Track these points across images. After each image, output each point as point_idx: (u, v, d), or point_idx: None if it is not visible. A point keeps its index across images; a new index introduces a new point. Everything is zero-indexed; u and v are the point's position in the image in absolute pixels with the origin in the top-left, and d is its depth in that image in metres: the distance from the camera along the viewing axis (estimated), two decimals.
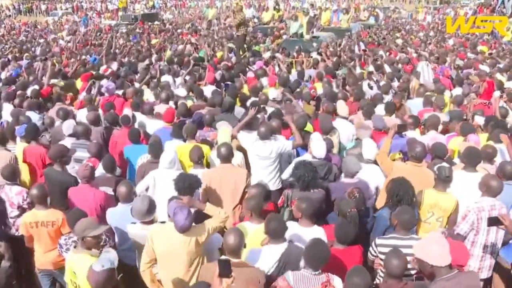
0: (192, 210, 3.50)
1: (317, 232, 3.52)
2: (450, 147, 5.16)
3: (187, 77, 8.54)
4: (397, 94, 7.31)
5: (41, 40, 17.00)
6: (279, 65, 10.07)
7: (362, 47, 12.06)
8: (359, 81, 8.22)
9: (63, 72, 9.02)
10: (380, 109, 6.38)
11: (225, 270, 2.60)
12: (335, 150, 5.34)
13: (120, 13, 29.44)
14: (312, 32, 14.99)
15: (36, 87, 7.47)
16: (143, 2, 36.15)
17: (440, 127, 5.80)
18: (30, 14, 34.28)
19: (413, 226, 3.63)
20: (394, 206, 3.76)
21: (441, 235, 3.17)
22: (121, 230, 3.86)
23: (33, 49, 13.78)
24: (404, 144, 5.03)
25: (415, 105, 7.10)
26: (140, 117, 6.12)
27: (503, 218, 3.33)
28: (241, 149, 5.19)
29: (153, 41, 14.88)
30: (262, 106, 6.36)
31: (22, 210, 4.24)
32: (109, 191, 4.37)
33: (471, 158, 4.35)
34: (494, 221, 3.41)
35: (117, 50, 12.22)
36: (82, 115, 6.27)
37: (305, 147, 5.05)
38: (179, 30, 18.96)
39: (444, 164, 4.21)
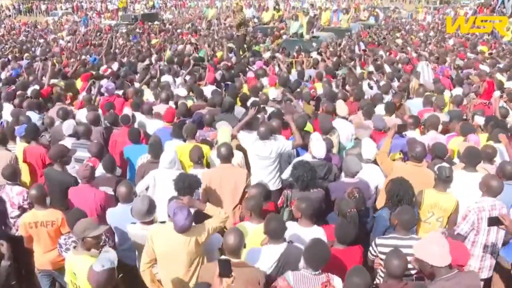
0: (192, 210, 3.51)
1: (317, 232, 3.52)
2: (450, 147, 5.16)
3: (187, 77, 8.55)
4: (396, 93, 7.32)
5: (41, 40, 17.01)
6: (279, 65, 10.08)
7: (362, 47, 12.07)
8: (359, 81, 8.23)
9: (63, 72, 9.03)
10: (380, 109, 6.38)
11: (225, 270, 2.60)
12: (335, 150, 5.35)
13: (120, 13, 29.44)
14: (312, 32, 14.99)
15: (37, 87, 7.48)
16: (143, 2, 36.15)
17: (440, 127, 5.80)
18: (30, 14, 34.27)
19: (413, 226, 3.63)
20: (394, 206, 3.76)
21: (441, 236, 3.17)
22: (121, 230, 3.86)
23: (33, 49, 13.78)
24: (404, 144, 5.03)
25: (414, 105, 7.10)
26: (139, 117, 6.13)
27: (503, 218, 3.33)
28: (241, 148, 5.19)
29: (153, 41, 14.88)
30: (262, 106, 6.37)
31: (22, 210, 4.24)
32: (109, 191, 4.37)
33: (471, 158, 4.35)
34: (494, 221, 3.41)
35: (117, 50, 12.23)
36: (82, 115, 6.27)
37: (305, 147, 5.05)
38: (179, 30, 18.96)
39: (445, 164, 4.21)
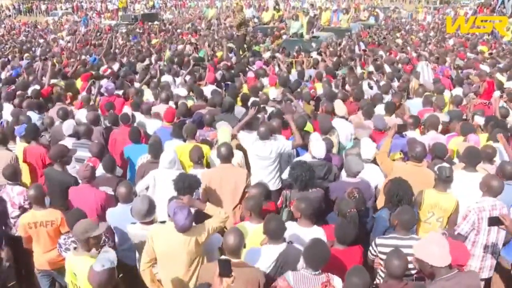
0: (192, 210, 3.50)
1: (317, 232, 3.52)
2: (450, 147, 5.17)
3: (187, 77, 8.55)
4: (396, 93, 7.32)
5: (41, 40, 17.01)
6: (279, 65, 10.08)
7: (362, 47, 12.07)
8: (359, 81, 8.23)
9: (63, 72, 9.03)
10: (380, 109, 6.38)
11: (226, 269, 2.60)
12: (334, 150, 5.35)
13: (120, 13, 29.46)
14: (312, 32, 14.99)
15: (37, 87, 7.48)
16: (143, 2, 36.16)
17: (440, 127, 5.80)
18: (30, 14, 34.28)
19: (413, 226, 3.63)
20: (394, 207, 3.76)
21: (441, 236, 3.17)
22: (121, 230, 3.86)
23: (33, 49, 13.78)
24: (405, 144, 5.03)
25: (414, 105, 7.10)
26: (138, 116, 6.13)
27: (503, 218, 3.33)
28: (241, 148, 5.20)
29: (153, 41, 14.88)
30: (262, 106, 6.37)
31: (23, 210, 4.23)
32: (109, 191, 4.37)
33: (471, 158, 4.35)
34: (494, 221, 3.40)
35: (117, 50, 12.23)
36: (82, 115, 6.28)
37: (305, 147, 5.05)
38: (179, 30, 18.96)
39: (445, 164, 4.21)
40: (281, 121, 5.51)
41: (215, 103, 6.50)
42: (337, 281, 2.94)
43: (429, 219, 4.02)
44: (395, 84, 8.15)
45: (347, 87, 8.02)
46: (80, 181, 4.36)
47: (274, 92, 7.11)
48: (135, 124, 5.82)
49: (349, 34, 16.07)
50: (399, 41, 15.11)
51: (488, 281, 4.02)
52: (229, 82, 8.86)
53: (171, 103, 6.69)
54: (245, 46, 12.98)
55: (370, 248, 3.56)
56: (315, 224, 3.62)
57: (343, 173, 4.61)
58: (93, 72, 8.69)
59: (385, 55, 11.77)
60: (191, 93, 7.46)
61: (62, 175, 4.59)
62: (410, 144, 4.64)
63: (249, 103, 6.44)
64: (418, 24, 25.11)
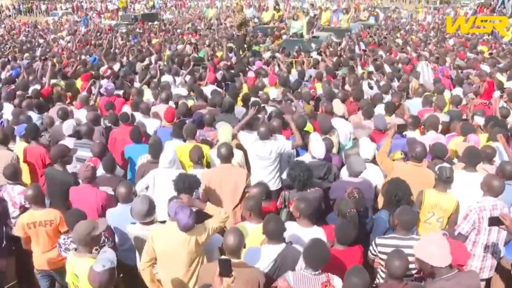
0: (193, 209, 3.50)
1: (317, 232, 3.52)
2: (450, 147, 5.17)
3: (187, 77, 8.55)
4: (395, 93, 7.32)
5: (41, 40, 17.01)
6: (279, 65, 10.08)
7: (362, 47, 12.06)
8: (359, 81, 8.22)
9: (63, 72, 9.02)
10: (380, 109, 6.38)
11: (226, 269, 2.60)
12: (334, 150, 5.35)
13: (120, 13, 29.41)
14: (312, 32, 14.99)
15: (37, 87, 7.48)
16: (143, 2, 36.15)
17: (440, 127, 5.80)
18: (30, 14, 34.28)
19: (413, 226, 3.62)
20: (393, 207, 3.76)
21: (441, 236, 3.18)
22: (121, 230, 3.86)
23: (33, 49, 13.78)
24: (405, 144, 5.03)
25: (414, 105, 7.09)
26: (138, 116, 6.12)
27: (504, 218, 3.33)
28: (241, 147, 5.19)
29: (153, 41, 14.88)
30: (262, 105, 6.37)
31: (24, 210, 4.22)
32: (109, 191, 4.36)
33: (471, 158, 4.35)
34: (495, 221, 3.40)
35: (117, 50, 12.22)
36: (82, 115, 6.28)
37: (305, 147, 5.05)
38: (179, 30, 18.96)
39: (445, 164, 4.21)
40: (281, 121, 5.51)
41: (215, 103, 6.50)
42: (337, 281, 2.94)
43: (429, 219, 4.02)
44: (395, 84, 8.15)
45: (347, 87, 8.02)
46: (80, 181, 4.36)
47: (274, 92, 7.11)
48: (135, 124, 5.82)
49: (349, 34, 16.07)
50: (399, 41, 15.10)
51: (488, 281, 4.03)
52: (229, 82, 8.86)
53: (171, 103, 6.69)
54: (245, 46, 12.98)
55: (370, 248, 3.56)
56: (315, 224, 3.62)
57: (343, 172, 4.61)
58: (93, 72, 8.68)
59: (385, 55, 11.76)
60: (191, 93, 7.46)
61: (63, 175, 4.58)
62: (410, 144, 4.64)
63: (249, 103, 6.45)
64: (418, 24, 25.10)
